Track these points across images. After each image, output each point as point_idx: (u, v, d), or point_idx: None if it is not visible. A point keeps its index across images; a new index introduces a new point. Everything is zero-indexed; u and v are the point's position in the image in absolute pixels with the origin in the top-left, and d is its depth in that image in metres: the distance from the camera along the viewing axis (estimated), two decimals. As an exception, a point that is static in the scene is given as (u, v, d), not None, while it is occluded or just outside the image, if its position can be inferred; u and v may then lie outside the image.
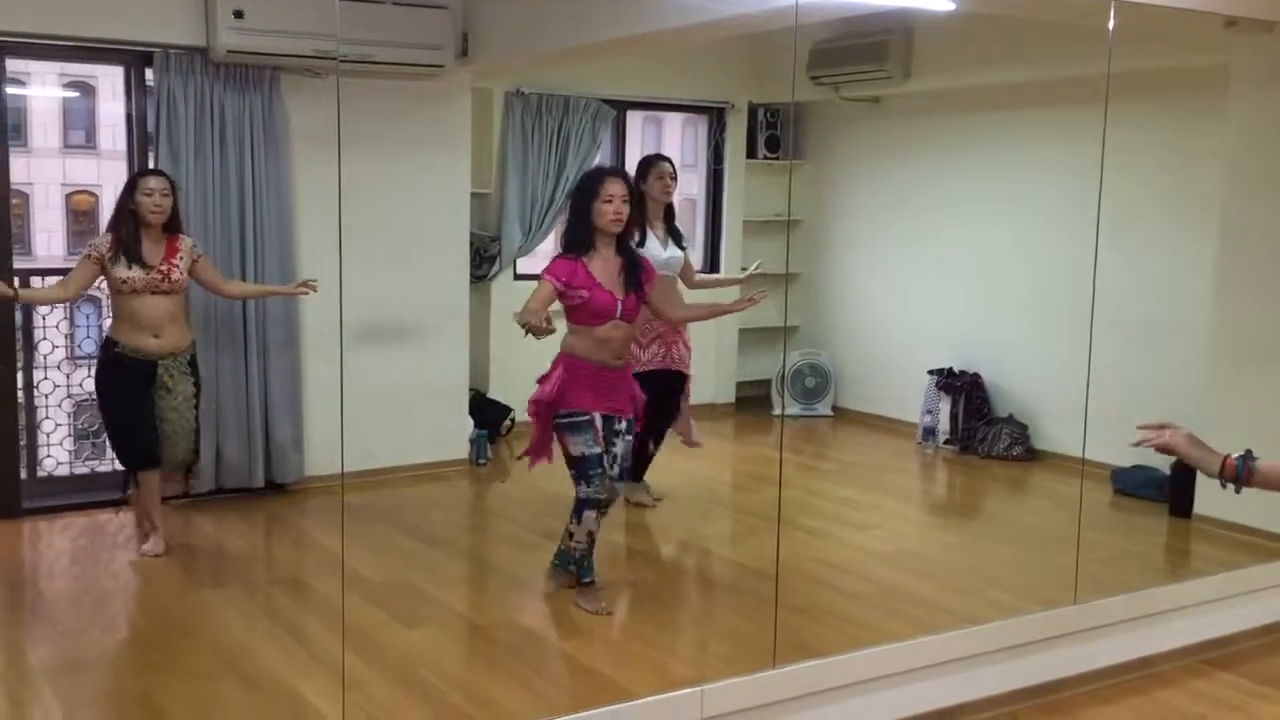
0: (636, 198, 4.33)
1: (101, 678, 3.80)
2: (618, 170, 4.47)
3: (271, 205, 5.65)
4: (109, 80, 16.82)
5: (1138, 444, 2.18)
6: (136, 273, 4.65)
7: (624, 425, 4.26)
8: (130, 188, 4.74)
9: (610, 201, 4.09)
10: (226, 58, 5.38)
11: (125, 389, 4.72)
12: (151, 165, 5.37)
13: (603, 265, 4.16)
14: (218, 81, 5.47)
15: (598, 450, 4.14)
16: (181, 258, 4.75)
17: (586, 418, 4.14)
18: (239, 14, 5.29)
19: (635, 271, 4.20)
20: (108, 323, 5.79)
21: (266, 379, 5.72)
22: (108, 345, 4.74)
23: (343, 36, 5.24)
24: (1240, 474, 2.08)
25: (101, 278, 4.73)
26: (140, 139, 5.55)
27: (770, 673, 3.32)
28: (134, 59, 5.47)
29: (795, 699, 3.32)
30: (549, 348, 4.58)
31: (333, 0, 5.27)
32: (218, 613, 4.35)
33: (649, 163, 5.30)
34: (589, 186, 4.16)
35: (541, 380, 4.23)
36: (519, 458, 4.35)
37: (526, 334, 3.90)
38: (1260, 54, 4.80)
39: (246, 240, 5.58)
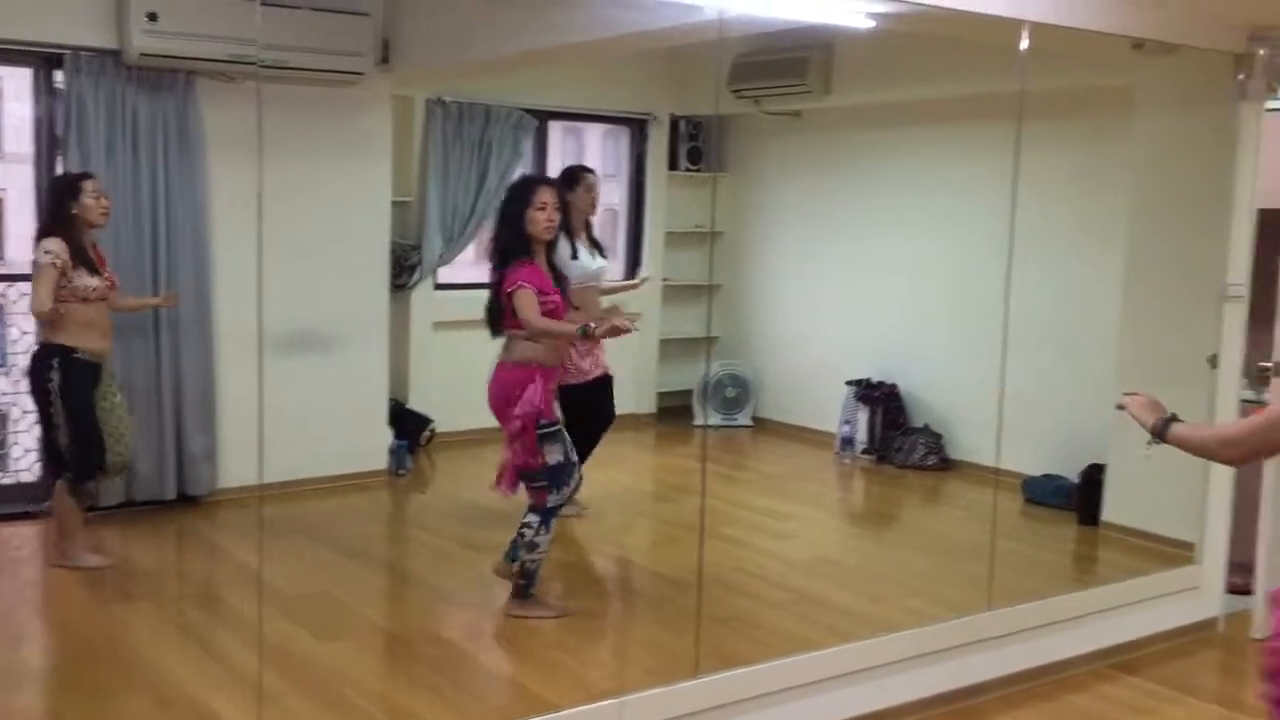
0: (564, 206, 4.35)
1: (7, 697, 3.68)
2: (548, 179, 4.54)
3: (186, 211, 5.54)
4: (13, 82, 16.37)
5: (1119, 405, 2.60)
6: (95, 280, 4.60)
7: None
8: (72, 192, 4.60)
9: (543, 209, 4.13)
10: (140, 61, 5.27)
11: (89, 396, 4.65)
12: (60, 170, 5.23)
13: (541, 270, 4.22)
14: (130, 85, 5.35)
15: (574, 457, 4.25)
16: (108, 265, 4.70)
17: (558, 426, 4.22)
18: (153, 16, 5.18)
19: (563, 279, 4.30)
20: (12, 330, 5.65)
21: (179, 388, 5.60)
22: (65, 352, 4.57)
23: (261, 41, 5.17)
24: (1160, 430, 2.51)
25: None
26: (48, 142, 5.40)
27: (691, 683, 3.34)
28: (42, 61, 5.33)
29: (716, 709, 3.33)
30: (469, 360, 4.58)
31: (249, 4, 5.27)
32: (128, 628, 4.24)
33: (576, 174, 5.31)
34: (521, 194, 4.18)
35: (516, 391, 4.14)
36: (496, 487, 4.26)
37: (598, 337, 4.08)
38: (1164, 76, 4.96)
39: (160, 247, 5.47)
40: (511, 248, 4.18)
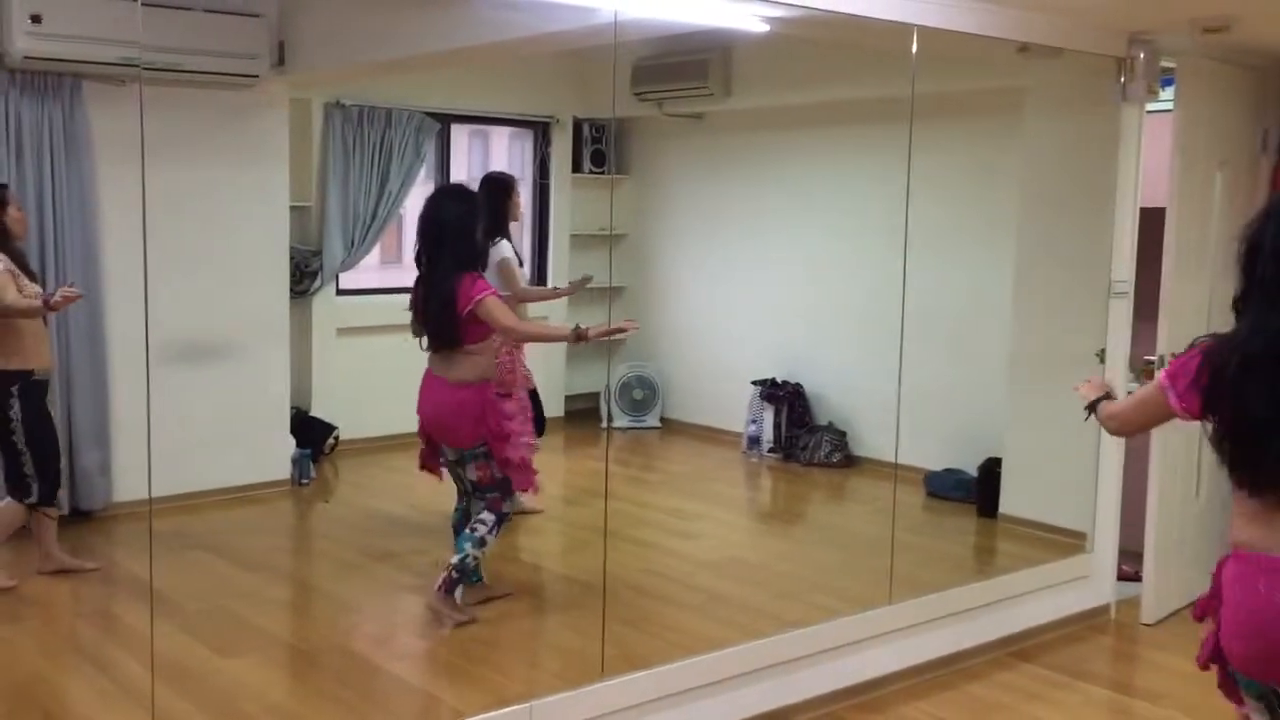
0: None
1: (-115, 726, 3.54)
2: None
3: (75, 218, 5.38)
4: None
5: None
6: (34, 288, 4.49)
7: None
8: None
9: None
10: (22, 64, 5.11)
11: (47, 414, 4.59)
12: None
13: None
14: (13, 89, 5.18)
15: None
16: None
17: None
18: (36, 18, 5.02)
19: None
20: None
21: (70, 400, 5.43)
22: (24, 376, 4.48)
23: (149, 43, 5.03)
24: (1092, 406, 2.72)
25: None
26: (-73, 149, 5.21)
27: (598, 685, 3.34)
28: (-82, 64, 5.14)
29: (624, 710, 3.35)
30: (372, 366, 4.53)
31: (136, 6, 5.14)
32: (12, 648, 4.10)
33: (511, 181, 5.36)
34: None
35: (476, 411, 4.17)
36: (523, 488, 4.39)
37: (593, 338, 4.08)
38: (1051, 79, 5.11)
39: (47, 255, 5.29)
40: (473, 255, 4.17)
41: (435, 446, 4.33)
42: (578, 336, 4.05)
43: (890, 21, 3.78)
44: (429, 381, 4.26)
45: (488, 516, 4.23)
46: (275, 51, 5.74)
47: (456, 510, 4.48)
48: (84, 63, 5.19)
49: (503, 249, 5.11)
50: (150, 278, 5.18)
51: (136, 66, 5.12)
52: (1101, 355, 4.70)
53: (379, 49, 5.13)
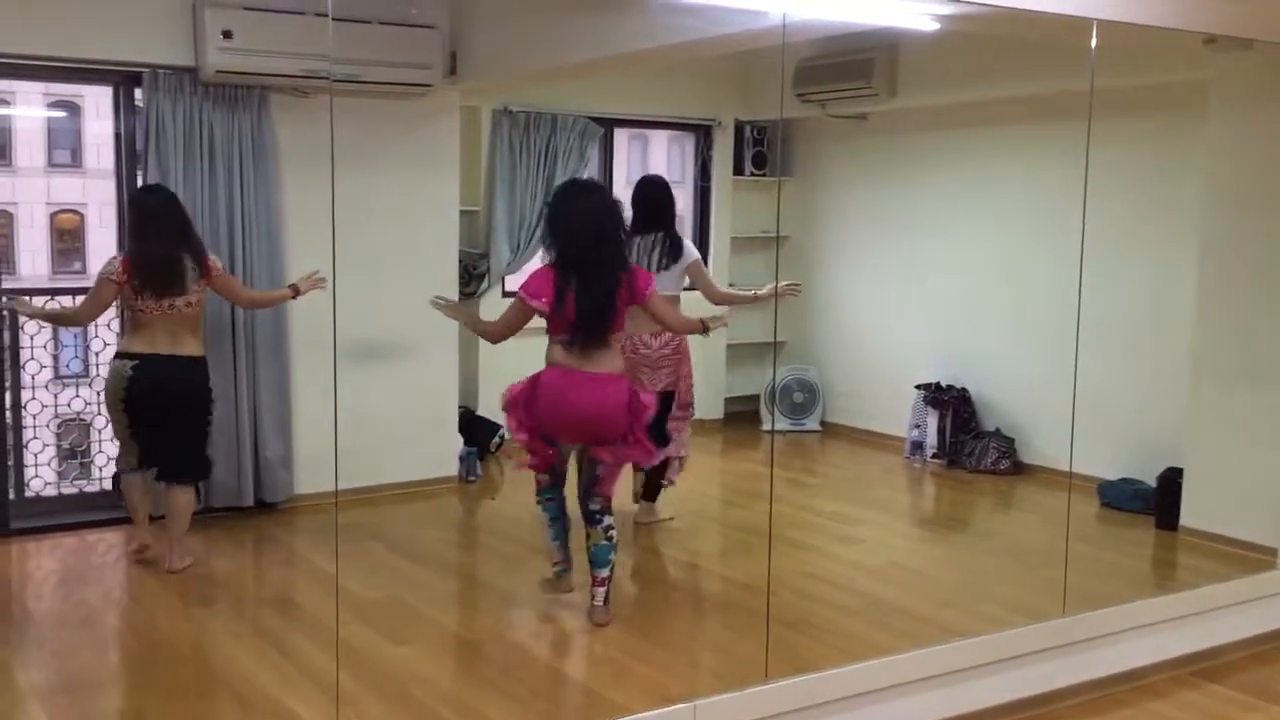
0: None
1: (94, 698, 3.79)
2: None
3: (260, 224, 5.66)
4: (94, 100, 16.83)
5: None
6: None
7: None
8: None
9: None
10: (215, 78, 5.40)
11: None
12: (141, 185, 5.39)
13: None
14: (206, 101, 5.48)
15: None
16: None
17: None
18: (228, 34, 5.30)
19: None
20: (96, 340, 5.83)
21: (256, 397, 5.71)
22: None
23: (334, 56, 5.27)
24: None
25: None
26: (129, 159, 5.55)
27: (762, 687, 3.33)
28: (123, 79, 5.48)
29: (788, 713, 3.33)
30: (535, 366, 4.66)
31: (320, 20, 5.37)
32: (208, 631, 4.34)
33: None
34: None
35: (633, 400, 4.35)
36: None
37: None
38: (1239, 71, 4.87)
39: (236, 258, 5.58)
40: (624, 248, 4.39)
41: (554, 445, 4.39)
42: (705, 330, 4.44)
43: (1069, 16, 3.66)
44: (577, 379, 4.24)
45: (610, 518, 4.34)
46: (448, 61, 5.91)
47: (552, 503, 4.49)
48: (271, 75, 5.45)
49: (692, 249, 5.32)
50: (331, 278, 5.44)
51: (320, 79, 5.41)
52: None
53: (548, 55, 5.24)
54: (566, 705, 3.83)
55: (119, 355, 4.82)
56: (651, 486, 5.56)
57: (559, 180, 7.01)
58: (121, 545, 5.31)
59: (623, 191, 5.98)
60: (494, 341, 4.51)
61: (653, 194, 5.40)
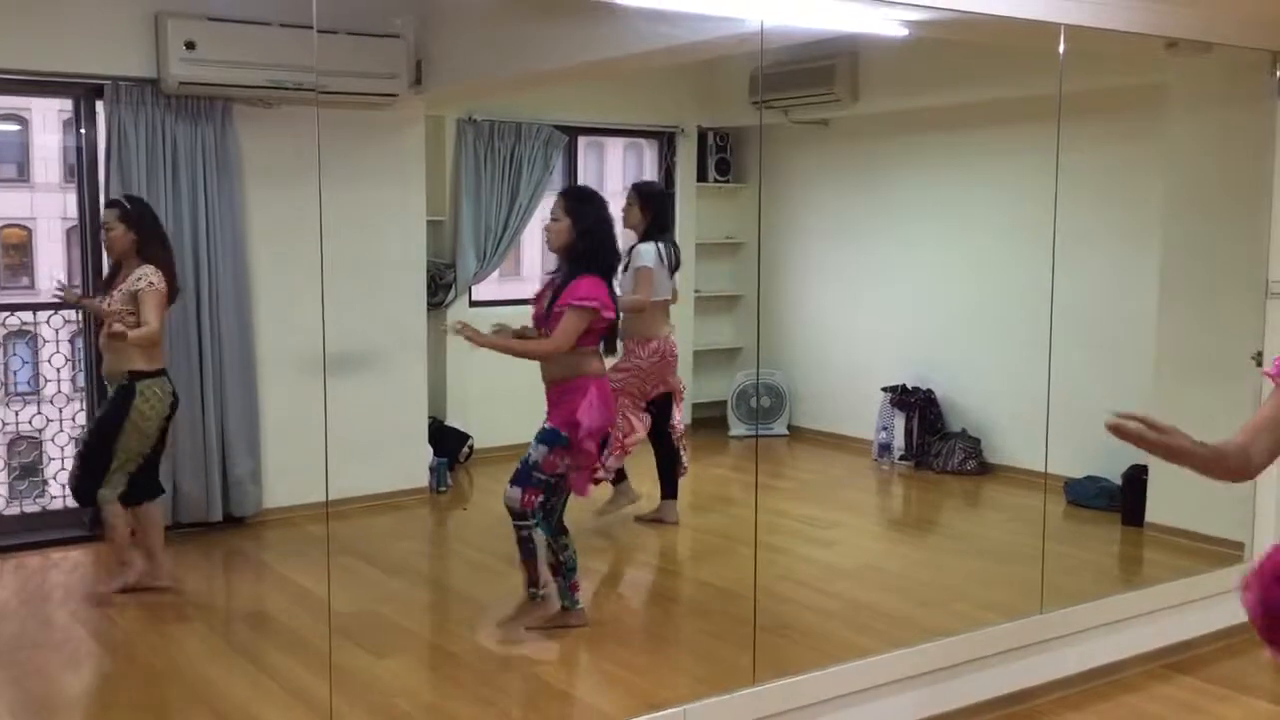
0: (580, 216, 4.25)
1: (67, 718, 3.72)
2: (562, 189, 4.67)
3: (225, 236, 5.61)
4: (42, 113, 16.56)
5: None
6: (91, 300, 4.75)
7: (534, 439, 4.29)
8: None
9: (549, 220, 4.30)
10: (178, 89, 5.35)
11: None
12: (103, 198, 5.32)
13: (554, 281, 4.30)
14: (169, 113, 5.43)
15: None
16: (122, 289, 4.57)
17: None
18: (190, 45, 5.26)
19: (557, 293, 4.22)
20: (56, 356, 5.73)
21: (223, 411, 5.65)
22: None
23: (296, 66, 5.23)
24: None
25: None
26: (90, 172, 5.48)
27: (751, 690, 3.35)
28: (84, 91, 5.41)
29: (776, 715, 3.34)
30: (505, 376, 4.64)
31: (282, 30, 5.34)
32: (183, 648, 4.29)
33: None
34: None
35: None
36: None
37: None
38: (1198, 74, 4.97)
39: (201, 272, 5.53)
40: None
41: None
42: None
43: (1039, 21, 3.72)
44: (609, 387, 4.37)
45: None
46: (413, 70, 5.89)
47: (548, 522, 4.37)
48: (234, 86, 5.41)
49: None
50: (297, 291, 5.40)
51: (284, 89, 5.37)
52: (1259, 358, 4.53)
53: (517, 63, 5.22)
54: (553, 714, 3.82)
55: (161, 373, 4.62)
56: (673, 481, 5.71)
57: (522, 189, 7.02)
58: (87, 565, 5.25)
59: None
60: (550, 358, 4.20)
61: (663, 199, 5.65)
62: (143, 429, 4.57)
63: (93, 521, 5.33)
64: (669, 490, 5.72)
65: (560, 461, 4.17)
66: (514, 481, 4.23)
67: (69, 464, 5.71)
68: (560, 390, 4.21)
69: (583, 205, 4.23)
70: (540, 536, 4.25)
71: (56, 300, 5.13)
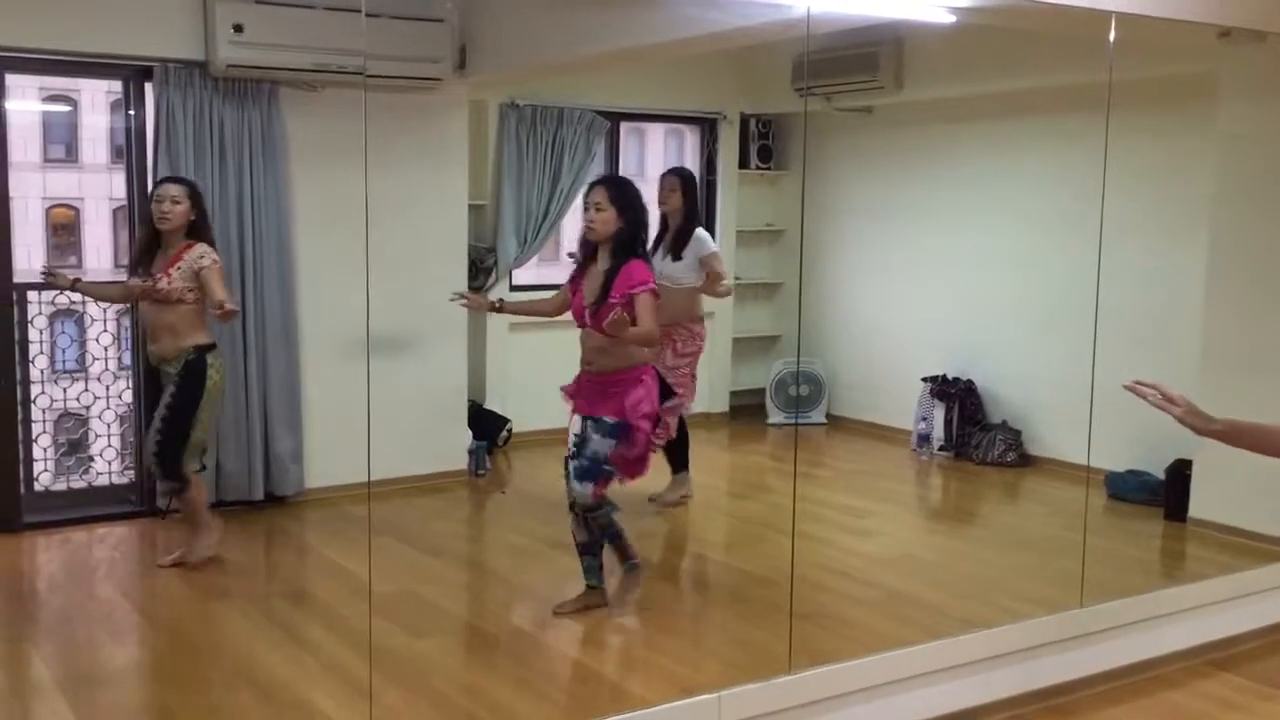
0: (626, 205, 4.22)
1: (116, 690, 3.79)
2: (601, 178, 4.49)
3: (270, 218, 5.66)
4: (91, 94, 16.77)
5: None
6: (135, 280, 4.69)
7: (589, 427, 4.22)
8: (148, 195, 4.76)
9: (586, 210, 4.21)
10: (225, 72, 5.39)
11: (154, 395, 4.89)
12: (151, 180, 5.38)
13: (593, 273, 4.24)
14: (216, 96, 5.47)
15: (569, 453, 4.26)
16: (181, 267, 4.65)
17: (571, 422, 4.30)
18: (238, 28, 5.30)
19: (607, 282, 4.17)
20: (104, 335, 5.81)
21: (266, 391, 5.71)
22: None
23: (342, 49, 5.27)
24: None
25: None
26: (139, 153, 5.54)
27: (787, 678, 3.35)
28: (133, 73, 5.47)
29: (812, 704, 3.34)
30: (544, 361, 4.64)
31: (330, 14, 5.37)
32: (226, 624, 4.35)
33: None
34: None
35: None
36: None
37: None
38: (1251, 64, 4.89)
39: (246, 253, 5.58)
40: (581, 248, 4.36)
41: None
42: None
43: (1089, 9, 3.67)
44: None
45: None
46: (457, 55, 5.91)
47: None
48: (281, 69, 5.45)
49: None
50: (340, 273, 5.45)
51: (331, 72, 5.40)
52: (1308, 352, 4.47)
53: (561, 49, 5.23)
54: (587, 697, 3.84)
55: (215, 346, 4.82)
56: (683, 455, 5.74)
57: (564, 174, 7.02)
58: (133, 540, 5.34)
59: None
60: (608, 350, 4.19)
61: (696, 184, 5.70)
62: (215, 400, 4.81)
63: (152, 496, 5.50)
64: (681, 464, 5.77)
65: (621, 450, 4.21)
66: (582, 478, 4.20)
67: (114, 441, 5.82)
68: (616, 380, 4.22)
69: (626, 194, 4.22)
70: (617, 515, 4.32)
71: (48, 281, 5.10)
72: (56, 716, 3.53)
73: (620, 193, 4.22)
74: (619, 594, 4.43)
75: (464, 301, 4.70)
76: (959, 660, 3.62)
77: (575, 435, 4.24)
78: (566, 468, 4.27)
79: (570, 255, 4.47)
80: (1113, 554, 5.13)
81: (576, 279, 4.31)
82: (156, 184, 4.84)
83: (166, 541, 5.15)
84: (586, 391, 4.27)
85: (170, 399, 4.74)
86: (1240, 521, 5.04)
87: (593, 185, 4.29)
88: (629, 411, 4.18)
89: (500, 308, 4.67)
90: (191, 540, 4.90)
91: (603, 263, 4.20)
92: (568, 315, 4.38)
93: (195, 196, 4.75)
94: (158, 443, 4.76)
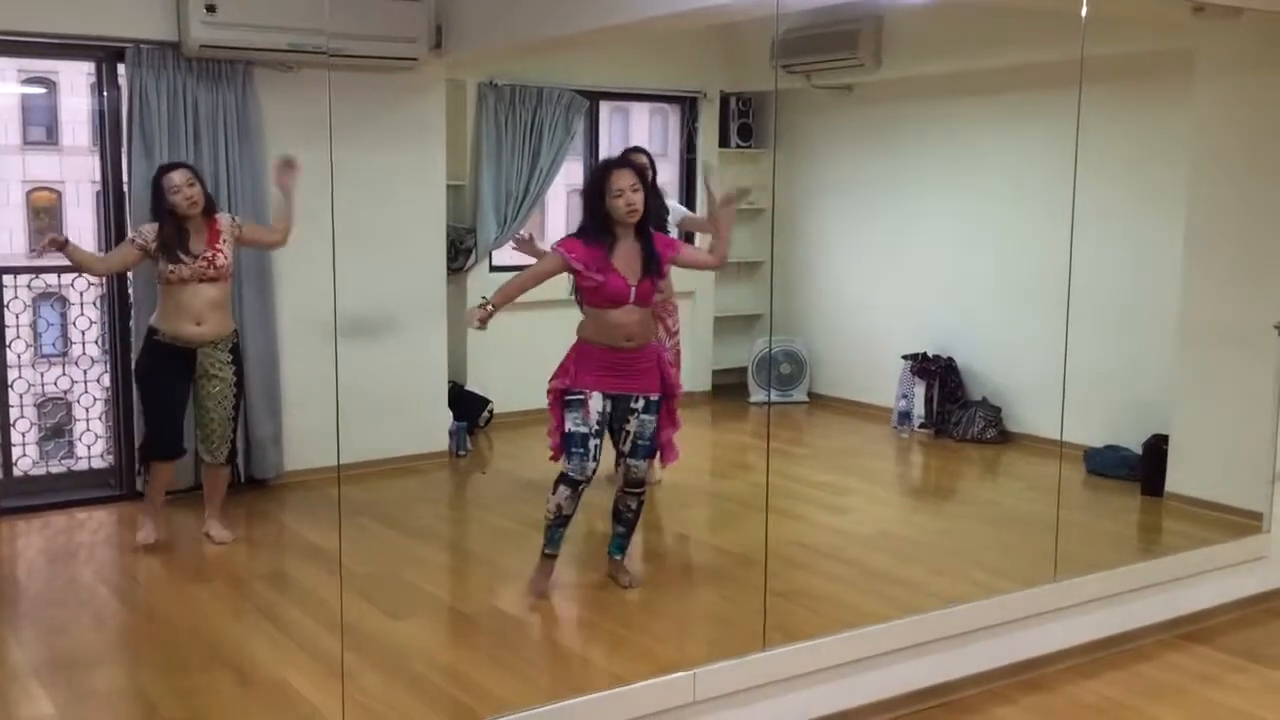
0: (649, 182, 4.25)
1: (92, 674, 3.79)
2: (624, 160, 4.35)
3: (246, 200, 5.62)
4: (70, 76, 16.63)
5: None
6: (184, 265, 4.73)
7: (641, 404, 4.22)
8: (158, 189, 4.76)
9: (620, 195, 4.07)
10: (199, 52, 5.35)
11: (162, 377, 4.85)
12: (125, 161, 5.35)
13: (624, 252, 4.15)
14: (190, 76, 5.44)
15: (584, 429, 4.16)
16: (225, 240, 4.82)
17: (581, 396, 4.18)
18: (211, 8, 5.26)
19: (652, 257, 4.16)
20: (82, 319, 5.79)
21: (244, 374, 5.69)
22: (150, 333, 4.84)
23: (317, 29, 5.23)
24: None
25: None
26: (113, 134, 5.50)
27: (761, 655, 3.37)
28: (106, 54, 5.42)
29: (786, 680, 3.37)
30: (525, 341, 4.60)
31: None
32: (204, 607, 4.35)
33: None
34: (597, 183, 4.14)
35: (559, 370, 4.29)
36: (552, 459, 4.31)
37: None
38: (1225, 40, 4.89)
39: (222, 235, 5.55)
40: (596, 234, 4.16)
41: None
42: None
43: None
44: None
45: None
46: (433, 34, 5.88)
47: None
48: (255, 50, 5.41)
49: None
50: (317, 254, 5.40)
51: (305, 53, 5.37)
52: (1281, 328, 4.49)
53: (538, 26, 5.20)
54: (564, 675, 3.86)
55: None
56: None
57: (543, 154, 7.00)
58: (112, 525, 5.33)
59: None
60: (645, 321, 4.27)
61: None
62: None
63: (132, 480, 5.54)
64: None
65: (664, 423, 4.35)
66: (644, 456, 4.31)
67: (95, 425, 5.81)
68: (646, 354, 4.25)
69: (649, 170, 4.28)
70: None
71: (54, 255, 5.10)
72: (31, 700, 3.53)
73: (645, 170, 4.28)
74: (626, 573, 4.48)
75: (478, 325, 4.20)
76: (932, 635, 3.65)
77: (598, 413, 4.19)
78: (584, 445, 4.14)
79: (517, 240, 4.44)
80: (1089, 529, 5.16)
81: (598, 262, 4.11)
82: (159, 174, 4.79)
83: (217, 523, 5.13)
84: (621, 369, 4.21)
85: (236, 380, 4.93)
86: (1215, 495, 5.07)
87: (616, 168, 4.15)
88: (675, 384, 4.38)
89: (494, 308, 4.27)
90: (151, 522, 4.96)
91: (630, 240, 4.15)
92: (550, 294, 4.34)
93: (200, 177, 4.85)
94: (233, 430, 4.95)
